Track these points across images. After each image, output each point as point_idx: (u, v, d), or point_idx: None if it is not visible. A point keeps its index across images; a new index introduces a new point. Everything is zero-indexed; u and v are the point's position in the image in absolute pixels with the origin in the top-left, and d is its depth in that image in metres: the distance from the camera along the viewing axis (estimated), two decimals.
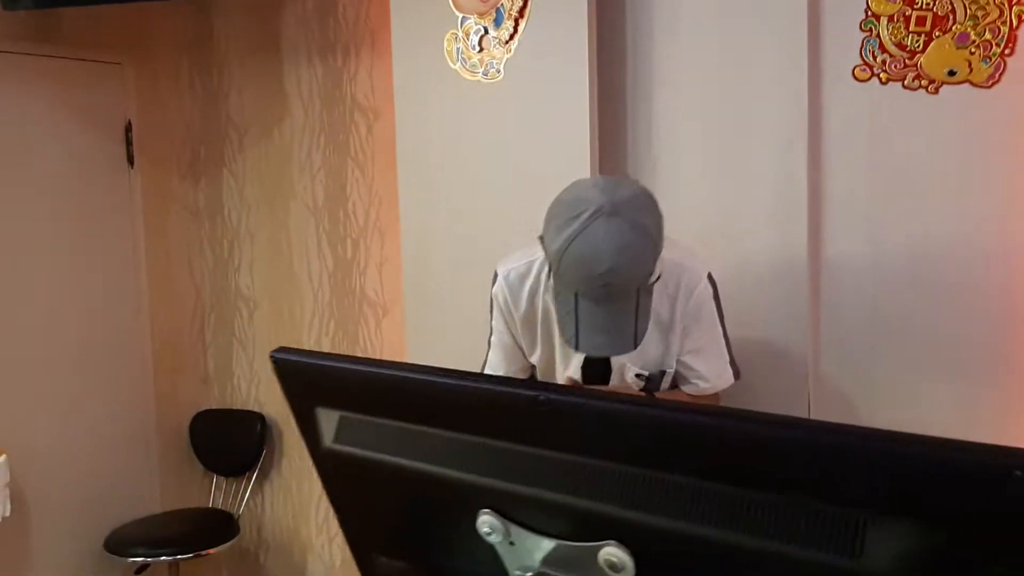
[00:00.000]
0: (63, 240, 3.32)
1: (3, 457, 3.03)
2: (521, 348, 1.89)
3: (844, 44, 2.09)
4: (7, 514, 3.02)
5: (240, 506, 3.58)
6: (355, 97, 3.15)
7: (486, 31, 2.51)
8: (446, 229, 2.66)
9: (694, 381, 1.86)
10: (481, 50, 2.52)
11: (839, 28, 2.09)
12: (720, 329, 1.85)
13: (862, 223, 2.11)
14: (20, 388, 3.19)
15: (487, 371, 1.91)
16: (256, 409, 3.62)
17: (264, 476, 3.64)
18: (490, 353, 1.92)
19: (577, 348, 1.56)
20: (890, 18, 2.02)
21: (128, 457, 3.52)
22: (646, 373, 1.82)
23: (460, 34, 2.56)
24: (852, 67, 2.08)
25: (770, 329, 2.20)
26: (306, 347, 3.41)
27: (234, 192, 3.63)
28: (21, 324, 3.20)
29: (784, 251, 2.18)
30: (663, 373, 1.83)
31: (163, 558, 3.25)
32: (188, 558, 3.29)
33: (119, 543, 3.24)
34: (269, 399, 3.60)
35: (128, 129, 3.48)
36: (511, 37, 2.46)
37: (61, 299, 3.31)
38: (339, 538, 3.40)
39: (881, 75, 2.05)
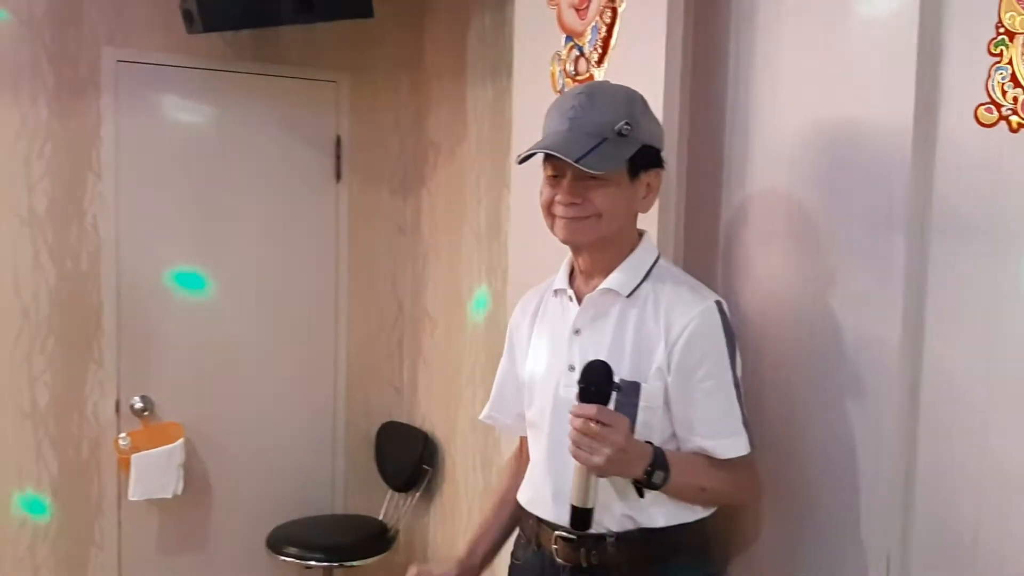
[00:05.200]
0: (273, 241, 3.55)
1: (181, 440, 3.35)
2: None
3: (966, 72, 1.45)
4: (179, 492, 3.33)
5: (400, 522, 3.59)
6: (512, 121, 2.95)
7: (581, 52, 2.18)
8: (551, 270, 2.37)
9: (697, 440, 1.56)
10: (577, 75, 2.20)
11: (961, 50, 1.46)
12: (731, 375, 1.56)
13: (976, 325, 1.46)
14: (218, 378, 3.49)
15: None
16: (426, 428, 3.60)
17: (429, 497, 3.61)
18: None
19: (527, 149, 1.56)
20: None
21: (311, 456, 3.69)
22: (616, 380, 1.50)
23: (562, 56, 2.26)
24: (975, 106, 1.44)
25: (840, 450, 1.63)
26: (464, 378, 3.30)
27: (428, 211, 3.63)
28: (227, 318, 3.49)
29: (871, 367, 1.60)
30: (638, 386, 1.54)
31: (309, 562, 3.35)
32: (333, 566, 3.37)
33: (278, 539, 3.40)
34: (439, 419, 3.55)
35: (337, 144, 3.63)
36: (600, 59, 2.11)
37: (265, 298, 3.55)
38: None
39: (1012, 119, 1.39)
